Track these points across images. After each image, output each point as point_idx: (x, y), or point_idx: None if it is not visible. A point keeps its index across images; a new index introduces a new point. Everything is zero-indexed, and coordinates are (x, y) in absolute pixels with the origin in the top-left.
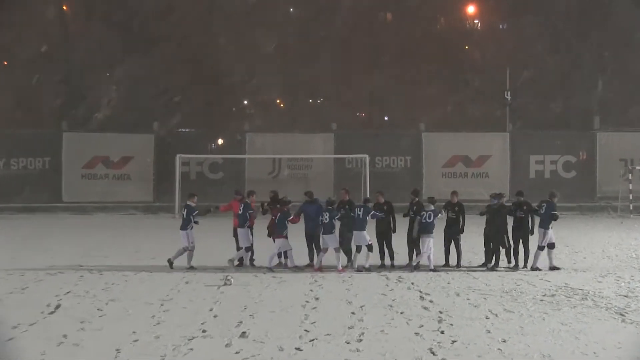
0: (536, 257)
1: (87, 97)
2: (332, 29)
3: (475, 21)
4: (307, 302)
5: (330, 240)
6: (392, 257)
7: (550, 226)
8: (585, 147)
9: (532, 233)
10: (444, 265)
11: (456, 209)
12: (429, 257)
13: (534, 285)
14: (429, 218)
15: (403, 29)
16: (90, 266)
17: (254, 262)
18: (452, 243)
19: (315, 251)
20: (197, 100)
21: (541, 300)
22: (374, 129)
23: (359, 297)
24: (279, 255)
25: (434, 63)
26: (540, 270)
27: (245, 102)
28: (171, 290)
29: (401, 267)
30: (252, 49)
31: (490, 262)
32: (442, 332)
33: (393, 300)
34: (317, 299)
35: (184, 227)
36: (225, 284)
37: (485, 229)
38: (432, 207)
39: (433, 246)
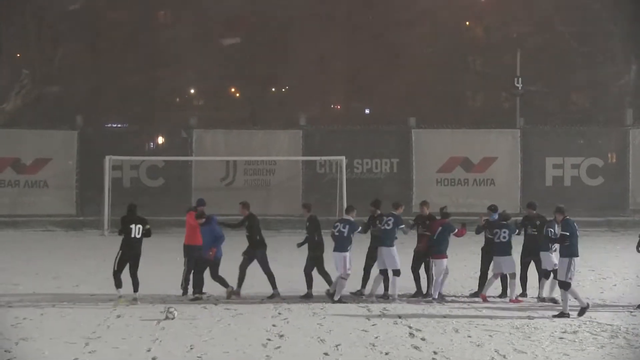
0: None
1: None
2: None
3: None
4: (269, 340)
5: (505, 263)
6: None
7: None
8: (616, 148)
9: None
10: (415, 294)
11: (427, 223)
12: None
13: (552, 320)
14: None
15: None
16: None
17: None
18: (423, 266)
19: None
20: (131, 88)
21: (560, 338)
22: (352, 125)
23: (334, 334)
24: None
25: (426, 42)
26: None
27: (192, 90)
28: (99, 326)
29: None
30: (200, 23)
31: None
32: None
33: (376, 337)
34: (281, 336)
35: (342, 248)
36: (166, 317)
37: (482, 249)
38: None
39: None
